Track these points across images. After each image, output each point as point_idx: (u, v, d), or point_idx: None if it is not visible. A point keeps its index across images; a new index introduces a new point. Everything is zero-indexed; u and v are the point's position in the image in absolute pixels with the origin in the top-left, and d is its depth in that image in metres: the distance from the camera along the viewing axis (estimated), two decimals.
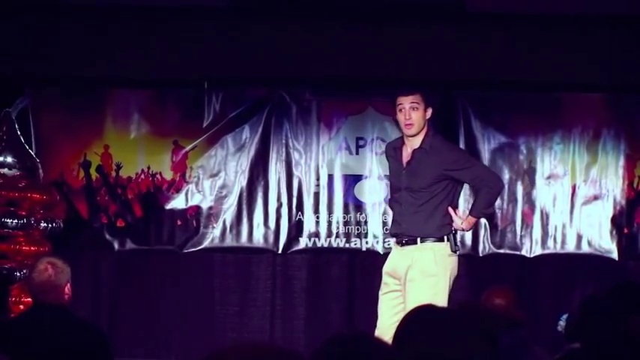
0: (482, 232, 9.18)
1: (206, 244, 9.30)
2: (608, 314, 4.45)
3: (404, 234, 6.34)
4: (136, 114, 9.38)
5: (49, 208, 8.62)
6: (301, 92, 9.37)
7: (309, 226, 9.28)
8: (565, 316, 5.54)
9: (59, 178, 9.28)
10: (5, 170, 8.41)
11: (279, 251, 9.28)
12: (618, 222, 9.18)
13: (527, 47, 8.98)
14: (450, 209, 6.34)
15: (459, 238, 6.46)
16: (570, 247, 9.19)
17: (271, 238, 9.28)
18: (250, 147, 9.32)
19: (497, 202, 9.13)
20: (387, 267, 6.42)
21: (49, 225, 8.52)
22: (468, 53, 8.99)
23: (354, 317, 9.12)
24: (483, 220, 9.14)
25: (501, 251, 9.22)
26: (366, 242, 9.25)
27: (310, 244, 9.28)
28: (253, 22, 9.04)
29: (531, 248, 9.20)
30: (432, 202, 6.29)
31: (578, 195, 9.21)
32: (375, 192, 9.27)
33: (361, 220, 9.25)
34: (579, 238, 9.18)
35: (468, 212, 6.53)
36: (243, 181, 9.31)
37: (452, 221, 6.32)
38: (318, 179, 9.30)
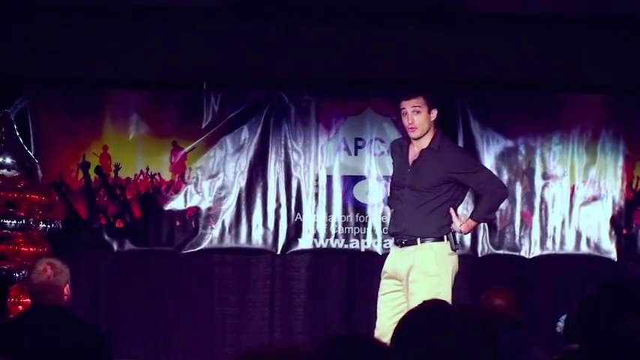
0: (481, 233, 9.17)
1: (205, 244, 9.29)
2: (606, 315, 4.45)
3: (403, 234, 6.33)
4: (134, 115, 9.38)
5: (47, 209, 8.61)
6: (300, 93, 9.36)
7: (308, 226, 9.28)
8: (564, 317, 5.55)
9: (58, 179, 9.28)
10: (4, 171, 8.41)
11: (278, 252, 9.27)
12: (617, 223, 9.18)
13: (526, 48, 8.98)
14: (451, 210, 6.34)
15: (458, 237, 6.47)
16: (569, 247, 9.19)
17: (270, 239, 9.28)
18: (249, 148, 9.31)
19: None
20: (386, 268, 6.41)
21: (48, 226, 8.52)
22: (467, 54, 9.00)
23: (353, 318, 9.11)
24: None
25: (500, 252, 9.22)
26: (365, 243, 9.25)
27: (309, 245, 9.28)
28: (252, 23, 9.04)
29: (530, 249, 9.20)
30: (433, 203, 6.29)
31: (577, 196, 9.21)
32: (374, 193, 9.27)
33: (360, 220, 9.24)
34: (578, 238, 9.18)
35: (468, 215, 6.52)
36: (242, 182, 9.31)
37: (452, 222, 6.32)
38: (317, 180, 9.30)
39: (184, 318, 9.24)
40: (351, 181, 9.32)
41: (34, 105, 9.33)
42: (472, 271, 9.09)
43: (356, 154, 9.32)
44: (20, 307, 8.03)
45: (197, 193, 9.34)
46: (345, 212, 9.27)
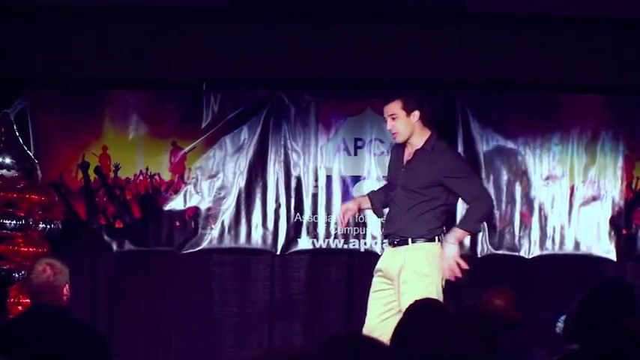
0: (480, 233, 9.17)
1: (204, 245, 9.29)
2: (606, 315, 4.45)
3: (396, 234, 6.33)
4: (134, 115, 9.38)
5: (47, 209, 8.62)
6: (300, 93, 9.36)
7: (307, 227, 9.28)
8: (563, 318, 5.54)
9: (58, 179, 9.28)
10: (4, 171, 8.41)
11: (278, 252, 9.28)
12: (617, 223, 9.17)
13: (526, 48, 8.99)
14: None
15: None
16: (569, 248, 9.18)
17: (270, 239, 9.28)
18: (249, 148, 9.32)
19: (496, 202, 9.15)
20: (379, 266, 6.42)
21: (48, 226, 8.52)
22: (467, 54, 9.00)
23: (352, 318, 9.10)
24: None
25: (500, 252, 9.22)
26: (365, 243, 9.25)
27: (309, 245, 9.28)
28: (252, 24, 9.05)
29: (530, 249, 9.20)
30: (426, 205, 6.24)
31: (576, 196, 9.21)
32: None
33: (359, 221, 9.24)
34: (578, 239, 9.18)
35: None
36: (241, 182, 9.31)
37: (444, 225, 6.29)
38: (316, 180, 9.30)
39: (184, 318, 9.24)
40: (351, 181, 9.32)
41: (33, 105, 9.33)
42: (471, 271, 9.08)
43: (355, 155, 9.32)
44: (20, 308, 8.03)
45: (197, 193, 9.34)
46: None
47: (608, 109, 9.28)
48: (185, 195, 9.34)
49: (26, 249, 8.35)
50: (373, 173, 9.28)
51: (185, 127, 9.38)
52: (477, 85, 9.25)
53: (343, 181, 9.32)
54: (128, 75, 9.24)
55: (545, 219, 9.21)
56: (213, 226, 9.30)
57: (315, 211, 9.28)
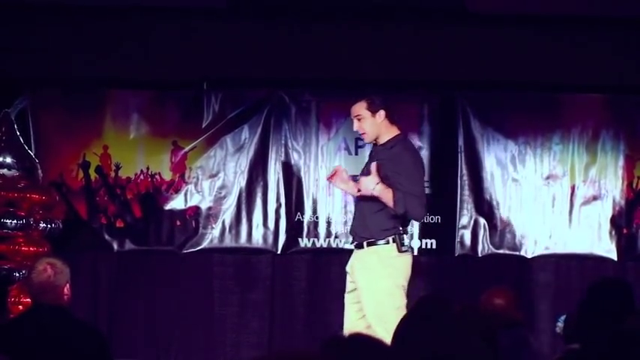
0: (481, 233, 9.18)
1: (205, 244, 9.30)
2: (606, 315, 4.45)
3: (355, 236, 6.35)
4: (135, 114, 9.38)
5: (48, 209, 8.62)
6: (300, 93, 9.37)
7: (308, 226, 9.28)
8: (563, 317, 5.55)
9: (58, 179, 9.28)
10: (5, 171, 8.41)
11: (279, 252, 9.28)
12: (617, 222, 9.17)
13: (526, 48, 8.99)
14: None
15: (407, 239, 6.27)
16: (569, 247, 9.18)
17: (270, 239, 9.28)
18: (249, 147, 9.32)
19: (495, 202, 9.15)
20: (347, 267, 6.45)
21: (48, 225, 8.52)
22: (467, 54, 9.00)
23: None
24: (483, 221, 9.15)
25: (500, 252, 9.21)
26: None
27: (309, 245, 9.28)
28: (252, 23, 9.05)
29: (530, 249, 9.20)
30: (376, 204, 6.19)
31: (577, 195, 9.21)
32: None
33: None
34: (578, 238, 9.18)
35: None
36: (242, 182, 9.31)
37: (400, 226, 6.21)
38: (317, 180, 9.30)
39: (184, 318, 9.25)
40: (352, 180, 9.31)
41: (34, 105, 9.34)
42: (472, 270, 9.10)
43: (356, 154, 9.31)
44: (20, 307, 8.03)
45: (197, 192, 9.34)
46: (345, 212, 9.26)
47: (608, 108, 9.28)
48: (186, 194, 9.34)
49: (27, 248, 8.36)
50: None
51: (186, 126, 9.38)
52: (477, 85, 9.25)
53: None
54: (129, 74, 9.24)
55: (546, 219, 9.21)
56: (213, 226, 9.30)
57: (315, 211, 9.28)
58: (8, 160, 8.45)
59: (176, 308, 9.26)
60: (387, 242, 6.19)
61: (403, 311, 5.87)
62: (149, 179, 9.37)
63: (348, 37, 9.04)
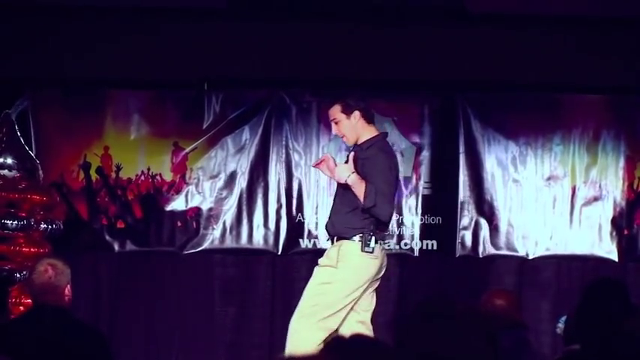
0: (482, 234, 9.17)
1: (206, 245, 9.29)
2: (606, 315, 4.45)
3: (327, 232, 6.49)
4: (135, 115, 9.38)
5: (49, 210, 8.61)
6: (301, 93, 9.36)
7: (309, 227, 9.28)
8: (564, 318, 5.55)
9: (59, 180, 9.28)
10: (5, 172, 8.41)
11: (279, 252, 9.27)
12: (618, 223, 9.16)
13: (526, 48, 8.98)
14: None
15: (374, 243, 6.28)
16: (570, 248, 9.17)
17: (271, 240, 9.28)
18: (250, 148, 9.31)
19: (496, 203, 9.15)
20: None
21: (49, 226, 8.52)
22: (467, 54, 9.00)
23: None
24: (483, 222, 9.14)
25: (501, 252, 9.21)
26: None
27: (310, 246, 9.27)
28: (253, 24, 9.05)
29: (531, 249, 9.19)
30: (348, 204, 6.29)
31: (578, 196, 9.20)
32: None
33: None
34: (579, 239, 9.17)
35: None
36: (243, 183, 9.31)
37: (370, 227, 6.25)
38: (318, 180, 9.29)
39: (185, 318, 9.24)
40: None
41: (35, 106, 9.34)
42: (473, 271, 9.09)
43: None
44: (21, 308, 8.03)
45: (198, 193, 9.34)
46: None
47: (609, 109, 9.27)
48: (187, 195, 9.34)
49: (28, 249, 8.35)
50: None
51: (186, 127, 9.38)
52: (477, 85, 9.24)
53: None
54: (129, 75, 9.24)
55: (547, 219, 9.20)
56: (214, 227, 9.29)
57: (316, 212, 9.28)
58: (9, 161, 8.45)
59: (177, 309, 9.25)
60: (353, 240, 6.25)
61: (336, 310, 5.99)
62: (150, 180, 9.37)
63: (348, 37, 9.04)
